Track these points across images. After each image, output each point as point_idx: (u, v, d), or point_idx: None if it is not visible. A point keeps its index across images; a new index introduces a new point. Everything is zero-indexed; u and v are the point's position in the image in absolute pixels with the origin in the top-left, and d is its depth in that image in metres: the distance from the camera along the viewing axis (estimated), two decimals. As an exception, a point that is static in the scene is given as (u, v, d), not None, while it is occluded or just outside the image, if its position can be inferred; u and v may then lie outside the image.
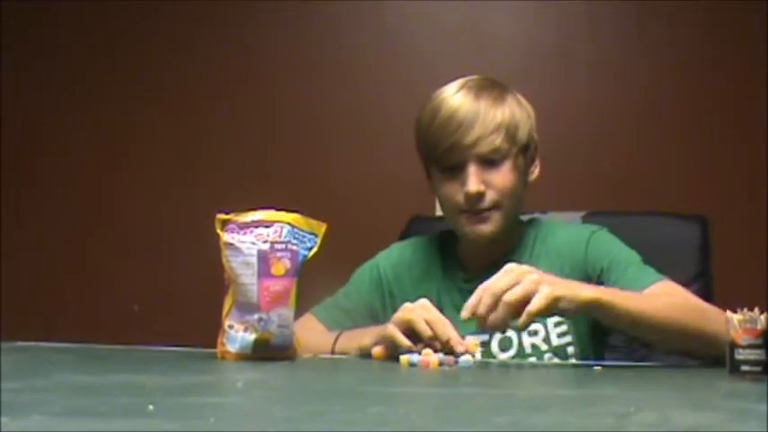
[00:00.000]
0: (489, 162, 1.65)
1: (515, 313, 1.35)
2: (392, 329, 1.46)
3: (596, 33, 3.13)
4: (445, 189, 1.68)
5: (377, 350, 1.49)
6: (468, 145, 1.63)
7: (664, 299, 1.54)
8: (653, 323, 1.46)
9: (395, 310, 1.60)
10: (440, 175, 1.69)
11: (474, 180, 1.63)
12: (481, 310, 1.36)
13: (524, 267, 1.40)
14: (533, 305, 1.33)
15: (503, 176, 1.66)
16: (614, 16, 3.13)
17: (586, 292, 1.42)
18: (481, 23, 3.19)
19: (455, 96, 1.67)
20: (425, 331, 1.43)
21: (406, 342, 1.44)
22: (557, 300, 1.36)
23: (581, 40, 3.13)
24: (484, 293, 1.36)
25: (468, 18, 3.19)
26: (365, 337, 1.57)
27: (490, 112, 1.65)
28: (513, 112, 1.68)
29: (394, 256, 1.82)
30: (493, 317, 1.35)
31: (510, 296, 1.34)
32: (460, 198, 1.66)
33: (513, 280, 1.36)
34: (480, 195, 1.64)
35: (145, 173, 3.30)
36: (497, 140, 1.64)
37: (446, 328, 1.43)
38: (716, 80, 3.04)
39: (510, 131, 1.66)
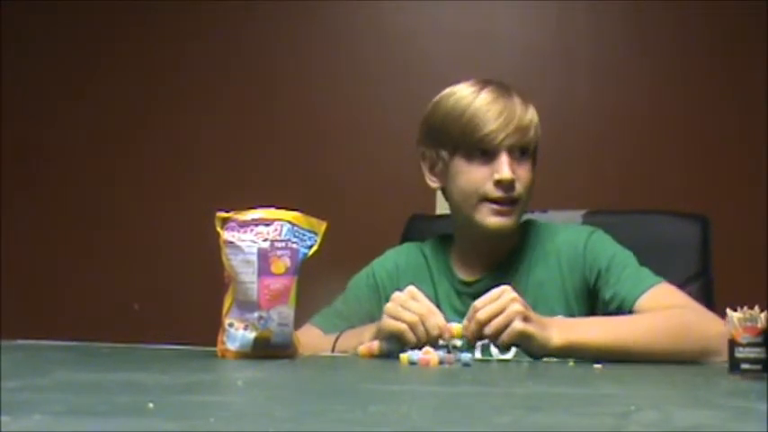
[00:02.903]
0: (518, 155, 1.69)
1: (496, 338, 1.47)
2: (390, 323, 1.48)
3: (597, 33, 3.13)
4: (471, 175, 1.69)
5: (363, 348, 1.49)
6: (509, 133, 1.67)
7: (641, 322, 1.57)
8: (624, 352, 1.51)
9: None
10: (465, 161, 1.70)
11: (509, 168, 1.66)
12: (469, 335, 1.48)
13: (512, 295, 1.47)
14: (500, 340, 1.46)
15: (527, 171, 1.70)
16: (615, 16, 3.13)
17: (556, 338, 1.48)
18: (482, 23, 3.19)
19: (483, 91, 1.70)
20: (420, 335, 1.46)
21: (411, 336, 1.45)
22: (524, 336, 1.46)
23: (581, 39, 3.13)
24: (472, 321, 1.47)
25: (468, 18, 3.19)
26: (364, 334, 1.57)
27: (523, 108, 1.70)
28: (535, 114, 1.73)
29: (389, 262, 1.84)
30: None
31: (489, 330, 1.46)
32: (489, 185, 1.67)
33: (497, 309, 1.46)
34: (512, 183, 1.66)
35: (145, 171, 3.30)
36: (529, 135, 1.70)
37: (433, 319, 1.47)
38: (716, 80, 3.04)
39: (536, 131, 1.72)
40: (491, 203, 1.68)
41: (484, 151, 1.68)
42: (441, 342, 1.46)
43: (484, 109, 1.68)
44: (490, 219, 1.69)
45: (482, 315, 1.45)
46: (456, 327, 1.47)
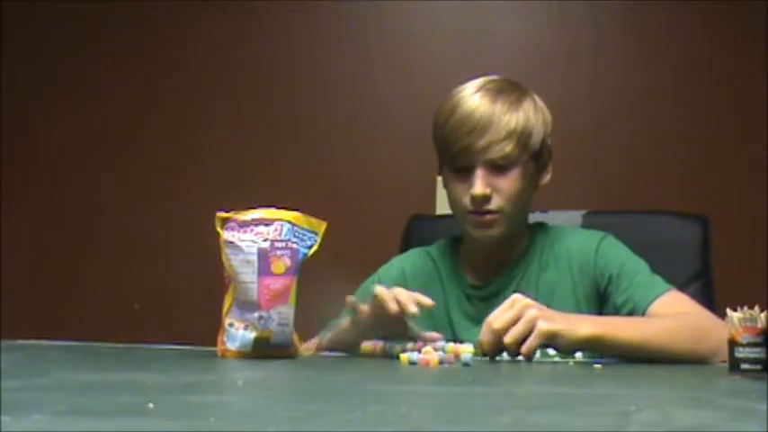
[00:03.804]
0: (498, 167, 1.66)
1: (516, 348, 1.42)
2: (377, 290, 1.47)
3: (598, 33, 3.13)
4: (454, 188, 1.70)
5: (366, 345, 1.49)
6: (479, 149, 1.64)
7: (662, 323, 1.57)
8: (648, 350, 1.50)
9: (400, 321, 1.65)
10: (451, 174, 1.70)
11: (480, 183, 1.64)
12: (486, 348, 1.43)
13: (527, 301, 1.44)
14: (526, 346, 1.41)
15: (510, 182, 1.67)
16: (615, 16, 3.13)
17: (584, 329, 1.46)
18: (482, 23, 3.19)
19: (473, 97, 1.67)
20: (391, 309, 1.44)
21: (380, 293, 1.45)
22: (551, 336, 1.42)
23: (583, 39, 3.13)
24: (487, 332, 1.43)
25: (468, 18, 3.18)
26: (341, 325, 1.59)
27: (504, 118, 1.65)
28: (528, 118, 1.68)
29: (394, 270, 1.83)
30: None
31: (509, 339, 1.41)
32: (467, 199, 1.66)
33: (514, 316, 1.42)
34: (486, 198, 1.65)
35: (145, 171, 3.30)
36: (508, 147, 1.65)
37: (405, 294, 1.45)
38: (717, 80, 3.04)
39: (522, 139, 1.67)
40: (472, 215, 1.68)
41: (462, 166, 1.67)
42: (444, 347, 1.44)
43: (459, 123, 1.66)
44: (473, 230, 1.70)
45: (497, 324, 1.41)
46: (464, 348, 1.40)
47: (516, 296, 1.46)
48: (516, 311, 1.42)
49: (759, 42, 2.98)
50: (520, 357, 1.43)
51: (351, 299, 1.51)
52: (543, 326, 1.41)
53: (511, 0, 3.22)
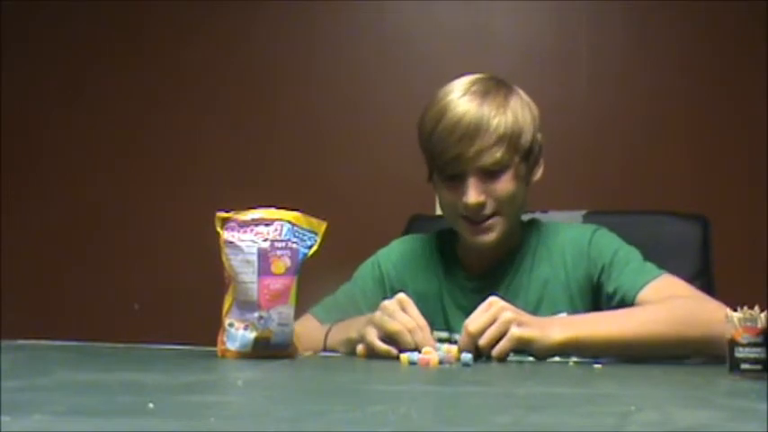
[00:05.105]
0: (490, 173, 1.64)
1: (490, 351, 1.43)
2: (370, 336, 1.46)
3: (597, 33, 3.13)
4: (446, 195, 1.68)
5: (360, 348, 1.49)
6: (470, 158, 1.62)
7: (643, 312, 1.54)
8: (629, 343, 1.48)
9: None
10: (441, 181, 1.69)
11: (474, 192, 1.63)
12: (463, 349, 1.42)
13: (502, 303, 1.44)
14: (497, 349, 1.41)
15: (503, 186, 1.65)
16: (615, 16, 3.13)
17: (557, 334, 1.45)
18: (482, 23, 3.19)
19: (460, 101, 1.64)
20: (407, 344, 1.43)
21: (384, 348, 1.44)
22: (525, 342, 1.43)
23: (582, 39, 3.13)
24: (464, 335, 1.43)
25: (468, 18, 3.19)
26: (351, 329, 1.57)
27: (494, 122, 1.62)
28: (517, 118, 1.66)
29: (394, 253, 1.83)
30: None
31: (482, 342, 1.41)
32: (461, 206, 1.65)
33: (489, 319, 1.42)
34: (480, 206, 1.64)
35: (145, 172, 3.30)
36: (499, 153, 1.63)
37: (419, 335, 1.44)
38: (716, 80, 3.04)
39: (512, 141, 1.64)
40: (467, 220, 1.67)
41: (453, 174, 1.65)
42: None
43: (447, 131, 1.62)
44: (470, 237, 1.69)
45: (473, 327, 1.41)
46: (454, 349, 1.41)
47: (493, 299, 1.45)
48: (491, 315, 1.42)
49: (759, 42, 2.98)
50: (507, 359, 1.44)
51: (361, 350, 1.49)
52: (516, 332, 1.41)
53: (511, 0, 3.22)
